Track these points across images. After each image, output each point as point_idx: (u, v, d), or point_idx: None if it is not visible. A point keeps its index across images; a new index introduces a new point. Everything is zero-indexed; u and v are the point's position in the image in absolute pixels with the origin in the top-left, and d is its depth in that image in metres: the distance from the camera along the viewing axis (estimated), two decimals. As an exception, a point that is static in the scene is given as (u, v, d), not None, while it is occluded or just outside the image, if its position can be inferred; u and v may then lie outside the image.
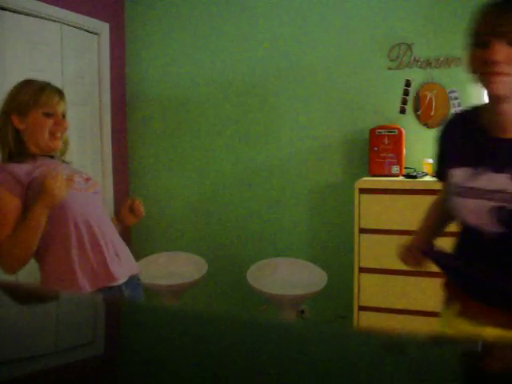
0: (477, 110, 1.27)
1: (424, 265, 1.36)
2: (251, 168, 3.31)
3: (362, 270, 2.64)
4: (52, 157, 1.75)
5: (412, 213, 2.51)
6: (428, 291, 2.48)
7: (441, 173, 1.35)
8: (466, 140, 1.24)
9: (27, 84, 1.69)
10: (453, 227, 1.31)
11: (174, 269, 3.25)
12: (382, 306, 2.60)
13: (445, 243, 1.30)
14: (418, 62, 2.90)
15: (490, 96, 1.16)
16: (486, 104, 1.24)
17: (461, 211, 1.20)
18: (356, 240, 2.63)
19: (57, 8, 2.89)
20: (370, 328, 2.06)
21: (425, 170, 2.75)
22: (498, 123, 1.18)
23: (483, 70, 1.13)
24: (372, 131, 2.81)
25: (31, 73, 2.76)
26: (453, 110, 2.86)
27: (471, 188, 1.18)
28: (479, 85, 1.17)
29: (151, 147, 3.54)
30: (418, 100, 2.92)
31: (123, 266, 1.71)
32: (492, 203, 1.14)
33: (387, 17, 2.96)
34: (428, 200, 2.52)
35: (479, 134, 1.22)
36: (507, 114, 1.16)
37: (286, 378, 0.54)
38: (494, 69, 1.11)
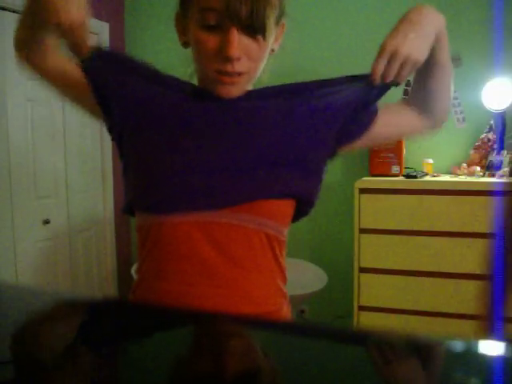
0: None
1: None
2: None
3: (361, 269, 2.63)
4: None
5: (412, 213, 2.51)
6: (428, 291, 2.48)
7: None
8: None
9: None
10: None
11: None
12: (382, 305, 2.60)
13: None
14: (417, 61, 2.90)
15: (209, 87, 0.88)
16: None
17: None
18: (356, 240, 2.63)
19: (57, 8, 2.89)
20: (370, 328, 2.06)
21: (425, 170, 2.75)
22: None
23: (213, 66, 0.83)
24: (372, 131, 2.81)
25: (31, 73, 2.77)
26: (453, 111, 2.86)
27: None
28: (196, 75, 0.90)
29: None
30: (417, 100, 2.92)
31: None
32: None
33: (387, 17, 2.95)
34: (428, 200, 2.53)
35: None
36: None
37: (286, 377, 0.54)
38: (228, 68, 0.82)
